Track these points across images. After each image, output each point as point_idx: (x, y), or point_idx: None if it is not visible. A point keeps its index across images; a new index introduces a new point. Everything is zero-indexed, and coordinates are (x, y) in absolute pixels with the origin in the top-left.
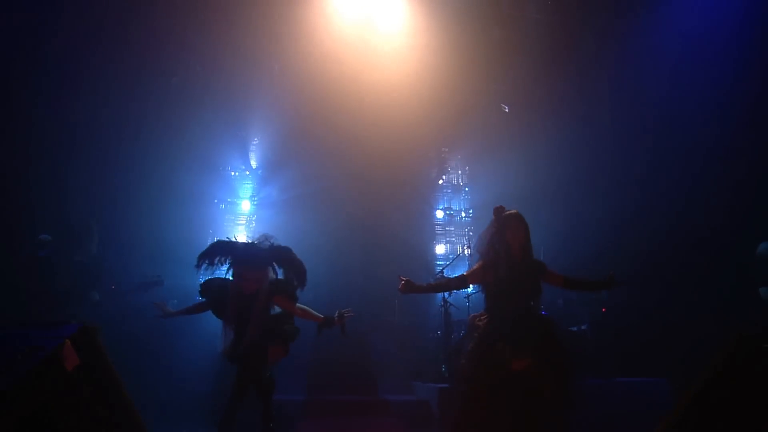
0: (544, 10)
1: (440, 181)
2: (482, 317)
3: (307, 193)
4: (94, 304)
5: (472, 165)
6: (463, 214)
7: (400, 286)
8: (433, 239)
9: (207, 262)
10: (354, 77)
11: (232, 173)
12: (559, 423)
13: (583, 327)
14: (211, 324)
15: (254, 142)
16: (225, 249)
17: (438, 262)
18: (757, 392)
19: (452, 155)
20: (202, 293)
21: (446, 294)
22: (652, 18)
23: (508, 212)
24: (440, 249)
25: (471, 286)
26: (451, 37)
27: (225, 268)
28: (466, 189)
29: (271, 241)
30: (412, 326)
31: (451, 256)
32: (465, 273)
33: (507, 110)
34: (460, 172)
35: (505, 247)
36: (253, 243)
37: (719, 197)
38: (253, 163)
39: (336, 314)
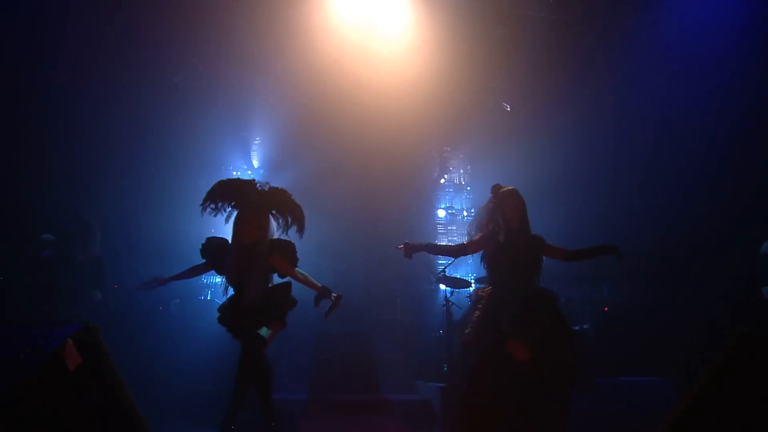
0: (545, 9)
1: (442, 180)
2: (486, 289)
3: (308, 192)
4: (97, 303)
5: (473, 164)
6: (465, 214)
7: (405, 253)
8: (435, 238)
9: (211, 206)
10: (355, 76)
11: (234, 173)
12: (563, 408)
13: (585, 326)
14: (214, 323)
15: (256, 142)
16: (228, 188)
17: (440, 261)
18: (760, 391)
19: (454, 154)
20: (202, 252)
21: (448, 293)
22: (655, 16)
23: (505, 189)
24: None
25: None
26: (453, 35)
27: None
28: (468, 188)
29: (270, 184)
30: (414, 325)
31: None
32: (465, 242)
33: (509, 109)
34: (461, 171)
35: (503, 219)
36: (254, 181)
37: (723, 195)
38: (255, 163)
39: (334, 293)
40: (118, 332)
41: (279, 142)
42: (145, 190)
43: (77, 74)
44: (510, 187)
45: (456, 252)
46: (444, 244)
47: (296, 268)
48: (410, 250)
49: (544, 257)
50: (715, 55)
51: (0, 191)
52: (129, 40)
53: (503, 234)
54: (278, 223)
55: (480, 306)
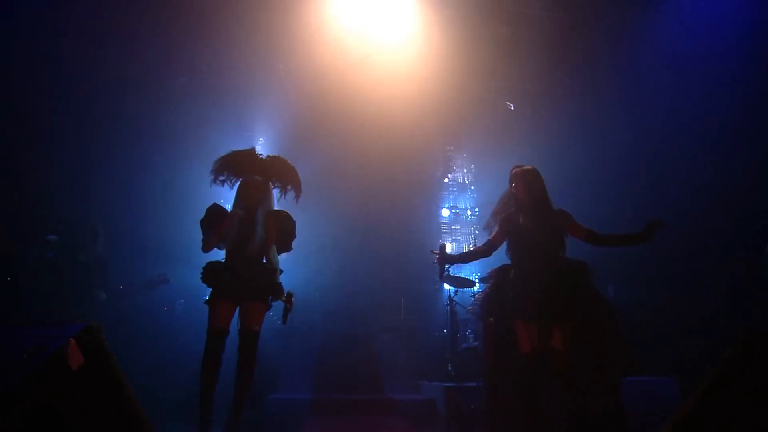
0: (549, 7)
1: (446, 180)
2: (496, 268)
3: (311, 193)
4: (101, 303)
5: (477, 163)
6: (469, 213)
7: (435, 260)
8: (439, 238)
9: (220, 178)
10: (358, 76)
11: None
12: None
13: None
14: None
15: (260, 142)
16: (231, 159)
17: None
18: (766, 390)
19: (457, 153)
20: (204, 221)
21: (452, 293)
22: (661, 13)
23: (517, 169)
24: (446, 248)
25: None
26: (456, 34)
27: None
28: (472, 187)
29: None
30: (418, 325)
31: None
32: (489, 238)
33: (512, 108)
34: (465, 170)
35: (515, 198)
36: (253, 149)
37: (729, 194)
38: None
39: (287, 292)
40: (123, 332)
41: (282, 143)
42: (148, 190)
43: (81, 75)
44: (523, 167)
45: (486, 251)
46: (472, 249)
47: (275, 255)
48: (444, 261)
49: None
50: (723, 53)
51: (4, 193)
52: (133, 41)
53: (514, 211)
54: (279, 189)
55: (489, 277)
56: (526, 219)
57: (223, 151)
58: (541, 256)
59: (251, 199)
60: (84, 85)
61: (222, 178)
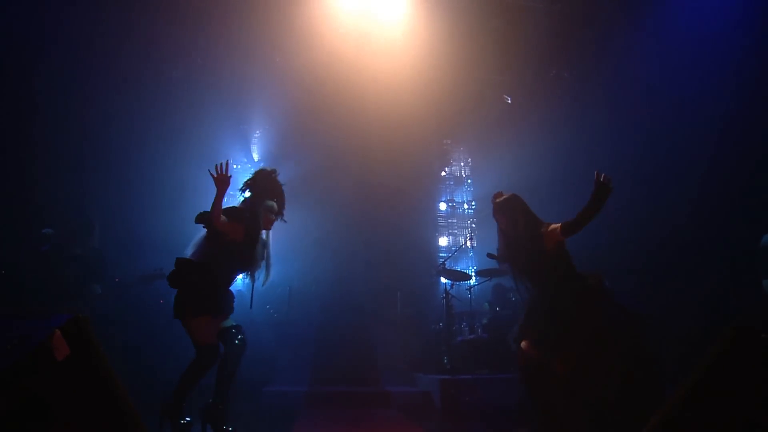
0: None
1: (443, 173)
2: None
3: (309, 185)
4: (96, 297)
5: (474, 156)
6: (466, 206)
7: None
8: (435, 231)
9: (244, 191)
10: (355, 69)
11: (234, 166)
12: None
13: None
14: None
15: (256, 135)
16: (273, 187)
17: (441, 254)
18: (752, 385)
19: (454, 147)
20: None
21: (448, 286)
22: (658, 8)
23: (497, 199)
24: (443, 241)
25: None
26: (453, 27)
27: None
28: (469, 181)
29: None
30: (414, 318)
31: (453, 248)
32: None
33: (510, 101)
34: (462, 163)
35: (500, 231)
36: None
37: (721, 189)
38: (255, 156)
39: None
40: (119, 325)
41: (279, 136)
42: (145, 183)
43: (77, 69)
44: (498, 197)
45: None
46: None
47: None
48: None
49: (557, 246)
50: (722, 47)
51: (0, 186)
52: (128, 34)
53: (505, 244)
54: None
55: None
56: (516, 250)
57: (220, 146)
58: (535, 284)
59: (269, 223)
60: (80, 79)
61: (247, 193)
